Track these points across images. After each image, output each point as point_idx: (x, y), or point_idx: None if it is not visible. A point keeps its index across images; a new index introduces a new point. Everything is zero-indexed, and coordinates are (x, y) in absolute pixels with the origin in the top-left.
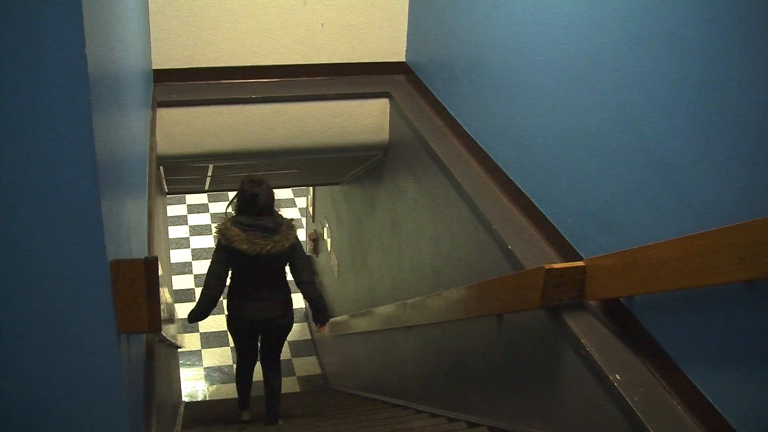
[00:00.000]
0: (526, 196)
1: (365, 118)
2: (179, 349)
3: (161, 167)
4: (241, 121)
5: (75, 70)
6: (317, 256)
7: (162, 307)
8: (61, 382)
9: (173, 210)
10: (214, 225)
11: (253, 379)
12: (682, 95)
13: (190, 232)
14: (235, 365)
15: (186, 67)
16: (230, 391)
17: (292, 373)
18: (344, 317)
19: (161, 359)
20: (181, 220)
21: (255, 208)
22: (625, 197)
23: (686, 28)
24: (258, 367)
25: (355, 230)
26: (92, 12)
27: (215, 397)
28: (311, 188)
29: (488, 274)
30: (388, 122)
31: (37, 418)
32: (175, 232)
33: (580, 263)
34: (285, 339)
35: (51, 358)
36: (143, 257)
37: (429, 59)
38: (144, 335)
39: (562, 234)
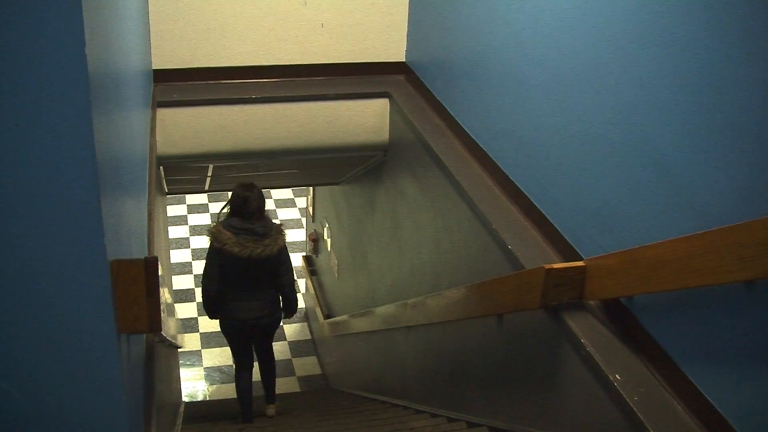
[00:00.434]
0: (526, 196)
1: (365, 118)
2: (179, 349)
3: (161, 167)
4: (241, 121)
5: (75, 70)
6: (317, 256)
7: (162, 307)
8: (61, 383)
9: (173, 210)
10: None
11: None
12: (682, 95)
13: (190, 232)
14: (234, 366)
15: (186, 67)
16: (230, 391)
17: (292, 373)
18: (344, 317)
19: (161, 359)
20: (181, 220)
21: (246, 212)
22: (625, 197)
23: (686, 28)
24: (256, 367)
25: (355, 230)
26: (92, 12)
27: (215, 397)
28: (311, 188)
29: (488, 274)
30: (388, 122)
31: (37, 418)
32: (175, 232)
33: (580, 263)
34: (273, 333)
35: (51, 359)
36: (143, 257)
37: (429, 59)
38: (144, 335)
39: (562, 234)
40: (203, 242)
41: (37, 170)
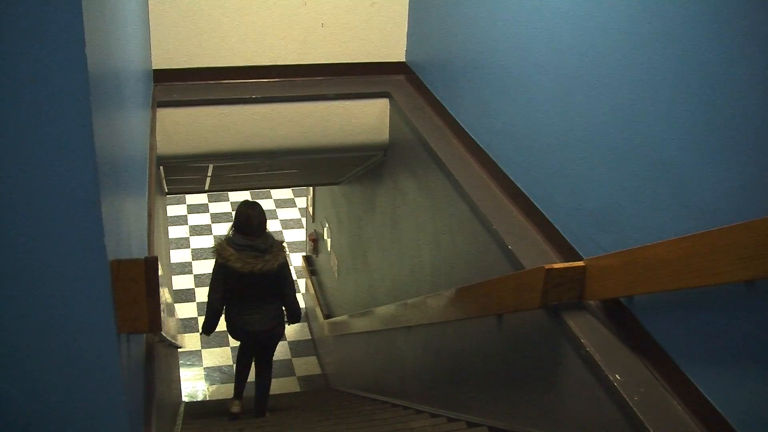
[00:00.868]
0: (526, 196)
1: (365, 118)
2: (179, 349)
3: (161, 167)
4: (241, 121)
5: (75, 70)
6: (317, 256)
7: (162, 307)
8: (61, 383)
9: (173, 210)
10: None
11: (248, 380)
12: (682, 95)
13: (190, 232)
14: (234, 365)
15: (186, 67)
16: (230, 391)
17: (292, 373)
18: (344, 317)
19: (161, 359)
20: (181, 220)
21: (248, 229)
22: (625, 197)
23: (686, 28)
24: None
25: (355, 230)
26: (92, 12)
27: (215, 397)
28: (311, 188)
29: (488, 274)
30: (388, 122)
31: (37, 418)
32: (175, 232)
33: (580, 263)
34: (276, 345)
35: (51, 358)
36: (143, 257)
37: (429, 59)
38: (144, 335)
39: (562, 234)
40: (203, 242)
41: (37, 170)
